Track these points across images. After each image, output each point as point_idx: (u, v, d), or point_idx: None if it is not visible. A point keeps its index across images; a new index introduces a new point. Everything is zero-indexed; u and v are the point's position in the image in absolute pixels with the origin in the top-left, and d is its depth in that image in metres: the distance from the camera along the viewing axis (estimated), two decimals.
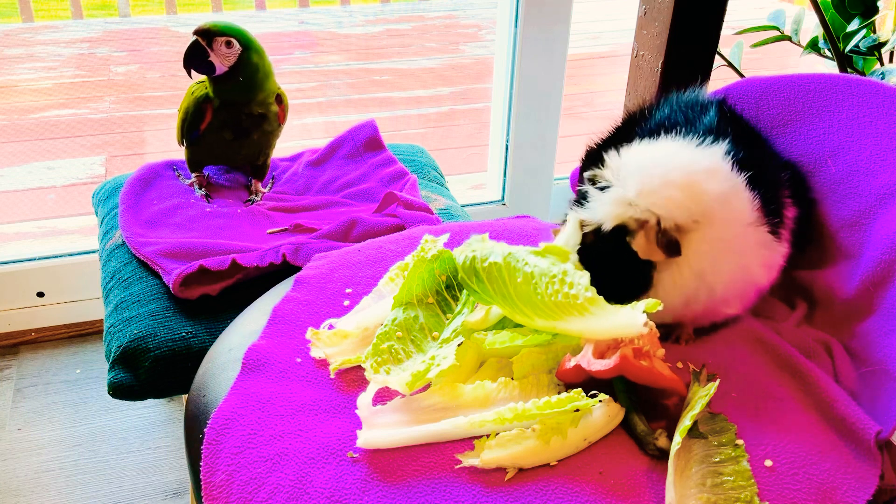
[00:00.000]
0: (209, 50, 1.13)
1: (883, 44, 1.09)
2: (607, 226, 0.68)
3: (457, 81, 3.15)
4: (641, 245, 0.67)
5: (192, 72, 1.16)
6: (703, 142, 0.73)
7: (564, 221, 0.77)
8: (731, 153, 0.72)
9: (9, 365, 1.51)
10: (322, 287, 0.83)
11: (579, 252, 0.70)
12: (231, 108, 1.18)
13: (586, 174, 0.72)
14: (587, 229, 0.69)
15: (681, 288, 0.70)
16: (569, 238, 0.71)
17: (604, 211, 0.68)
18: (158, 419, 1.38)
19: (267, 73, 1.18)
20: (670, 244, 0.67)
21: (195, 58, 1.13)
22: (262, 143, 1.23)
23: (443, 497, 0.59)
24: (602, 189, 0.69)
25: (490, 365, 0.69)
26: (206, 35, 1.12)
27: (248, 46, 1.15)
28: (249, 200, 1.23)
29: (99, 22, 3.61)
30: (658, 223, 0.67)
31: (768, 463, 0.61)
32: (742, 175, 0.71)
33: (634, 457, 0.63)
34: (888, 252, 0.71)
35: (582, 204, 0.70)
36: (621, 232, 0.68)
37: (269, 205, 1.24)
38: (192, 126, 1.20)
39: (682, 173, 0.69)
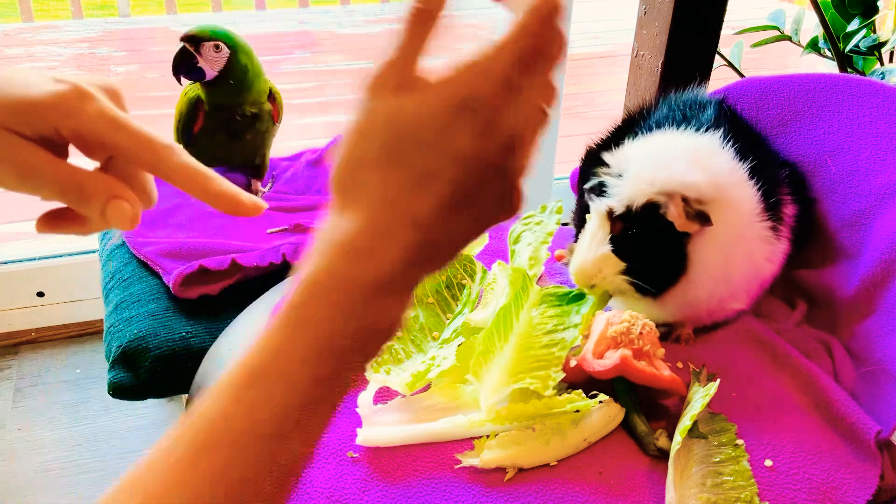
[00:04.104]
0: (198, 56, 1.12)
1: (883, 44, 1.09)
2: (638, 203, 0.67)
3: None
4: (675, 215, 0.67)
5: (182, 78, 1.15)
6: (698, 131, 0.74)
7: (575, 234, 0.77)
8: (729, 141, 0.73)
9: (9, 365, 1.51)
10: None
11: (612, 241, 0.69)
12: (223, 111, 1.18)
13: (586, 186, 0.72)
14: (617, 213, 0.68)
15: (709, 270, 0.70)
16: (596, 233, 0.70)
17: (630, 191, 0.68)
18: (158, 419, 1.38)
19: (257, 73, 1.18)
20: (700, 214, 0.67)
21: (183, 64, 1.13)
22: (258, 143, 1.23)
23: (443, 497, 0.59)
24: (618, 177, 0.69)
25: None
26: (194, 41, 1.12)
27: (235, 49, 1.14)
28: None
29: (99, 22, 3.61)
30: (683, 197, 0.67)
31: (768, 463, 0.61)
32: (742, 164, 0.72)
33: (634, 457, 0.63)
34: (888, 252, 0.71)
35: (600, 195, 0.70)
36: (651, 210, 0.67)
37: (269, 204, 1.24)
38: (186, 128, 1.20)
39: (685, 150, 0.71)
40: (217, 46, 1.12)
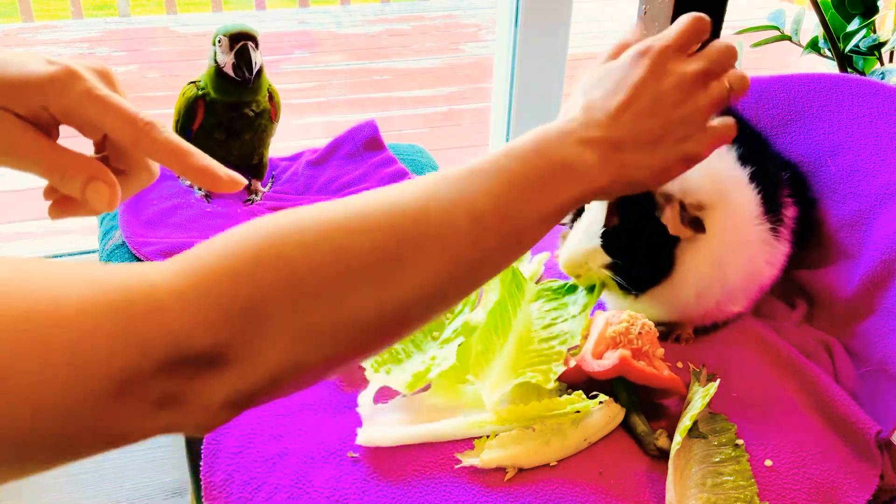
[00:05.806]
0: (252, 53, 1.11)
1: (883, 44, 1.09)
2: (636, 201, 0.67)
3: (457, 81, 3.15)
4: (670, 219, 0.67)
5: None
6: None
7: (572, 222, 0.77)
8: (732, 144, 0.73)
9: None
10: None
11: (604, 236, 0.69)
12: (224, 109, 1.17)
13: None
14: (616, 207, 0.69)
15: (698, 274, 0.70)
16: (591, 225, 0.70)
17: None
18: None
19: (262, 69, 1.18)
20: (695, 220, 0.67)
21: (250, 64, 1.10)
22: (255, 142, 1.23)
23: (443, 497, 0.59)
24: None
25: None
26: (253, 38, 1.10)
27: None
28: (249, 200, 1.23)
29: (99, 22, 3.61)
30: (681, 202, 0.67)
31: (768, 463, 0.61)
32: (744, 167, 0.72)
33: (634, 457, 0.63)
34: (888, 252, 0.71)
35: None
36: (647, 210, 0.68)
37: (269, 204, 1.24)
38: (185, 127, 1.20)
39: None
40: (258, 41, 1.12)
